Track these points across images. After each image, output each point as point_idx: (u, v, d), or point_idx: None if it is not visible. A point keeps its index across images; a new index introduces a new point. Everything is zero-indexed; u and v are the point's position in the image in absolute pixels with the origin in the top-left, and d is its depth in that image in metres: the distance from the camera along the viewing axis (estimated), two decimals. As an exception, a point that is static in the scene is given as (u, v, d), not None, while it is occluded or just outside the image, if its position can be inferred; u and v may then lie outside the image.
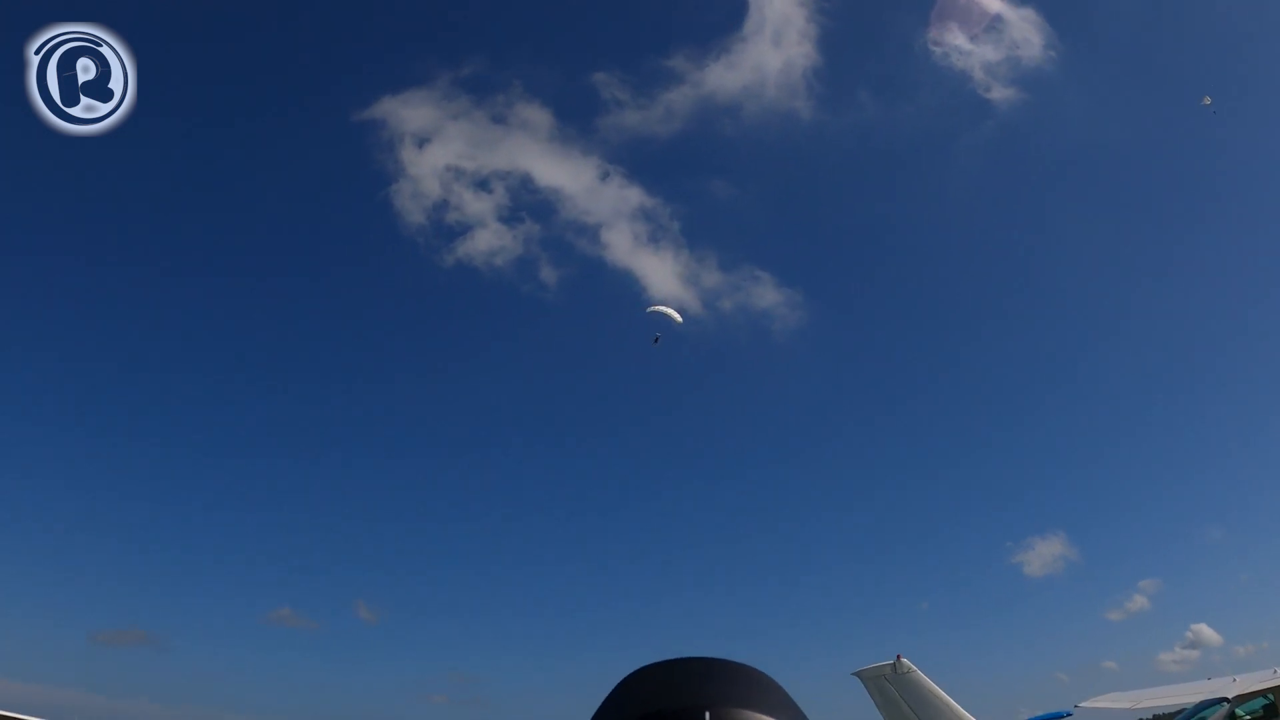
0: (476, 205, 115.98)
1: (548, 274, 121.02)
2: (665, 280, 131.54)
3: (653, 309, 38.31)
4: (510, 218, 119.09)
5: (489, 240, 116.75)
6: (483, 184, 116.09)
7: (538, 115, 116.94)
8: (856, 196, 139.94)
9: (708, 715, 0.99)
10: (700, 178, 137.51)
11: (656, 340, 38.84)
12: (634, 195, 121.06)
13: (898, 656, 20.01)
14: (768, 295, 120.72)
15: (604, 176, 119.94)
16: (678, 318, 39.06)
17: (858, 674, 20.32)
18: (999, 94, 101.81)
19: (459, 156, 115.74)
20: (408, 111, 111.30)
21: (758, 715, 1.01)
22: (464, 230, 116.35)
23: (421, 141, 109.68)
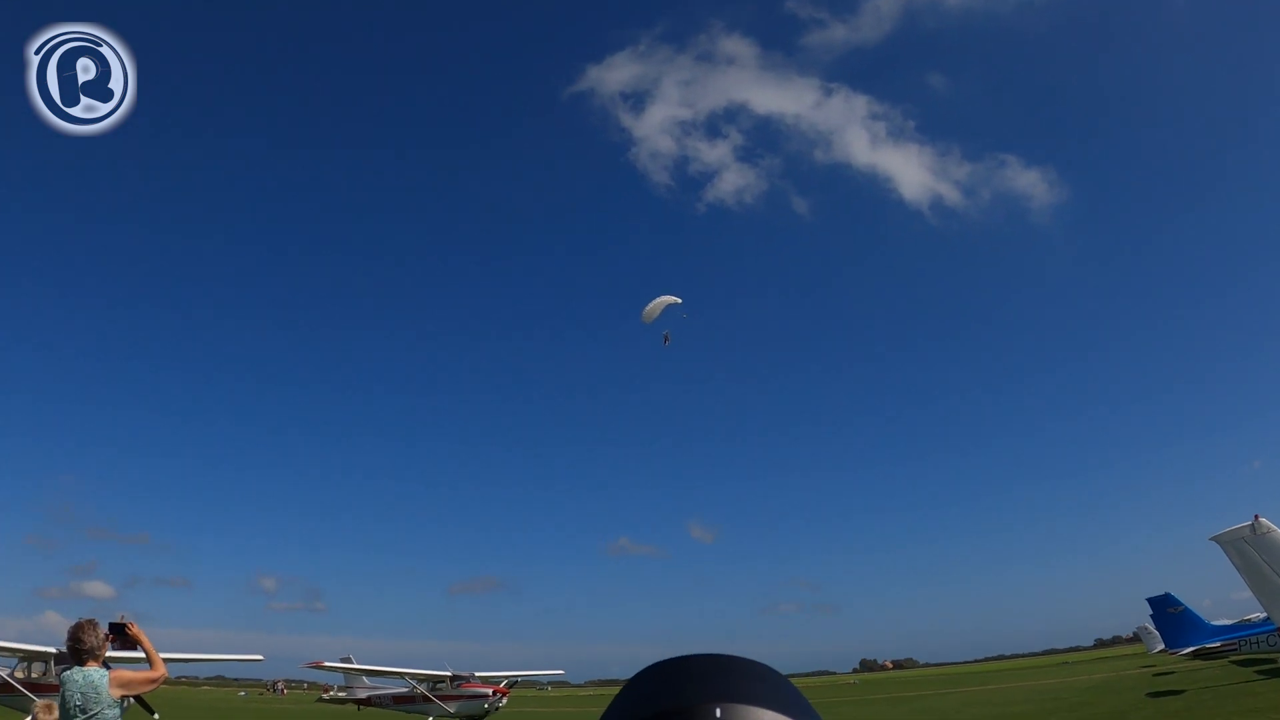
0: (713, 153, 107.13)
1: (798, 199, 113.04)
2: (915, 176, 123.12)
3: (646, 315, 36.46)
4: (748, 156, 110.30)
5: (734, 181, 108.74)
6: (712, 129, 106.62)
7: (742, 47, 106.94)
8: (1076, 62, 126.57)
9: (718, 712, 0.96)
10: (922, 74, 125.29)
11: (666, 340, 39.07)
12: (861, 104, 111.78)
13: (1255, 517, 19.75)
14: (1019, 177, 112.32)
15: (828, 93, 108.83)
16: (677, 300, 37.53)
17: (1216, 539, 20.10)
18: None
19: (678, 106, 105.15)
20: (613, 75, 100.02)
21: (767, 712, 0.97)
22: (708, 178, 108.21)
23: (638, 100, 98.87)
